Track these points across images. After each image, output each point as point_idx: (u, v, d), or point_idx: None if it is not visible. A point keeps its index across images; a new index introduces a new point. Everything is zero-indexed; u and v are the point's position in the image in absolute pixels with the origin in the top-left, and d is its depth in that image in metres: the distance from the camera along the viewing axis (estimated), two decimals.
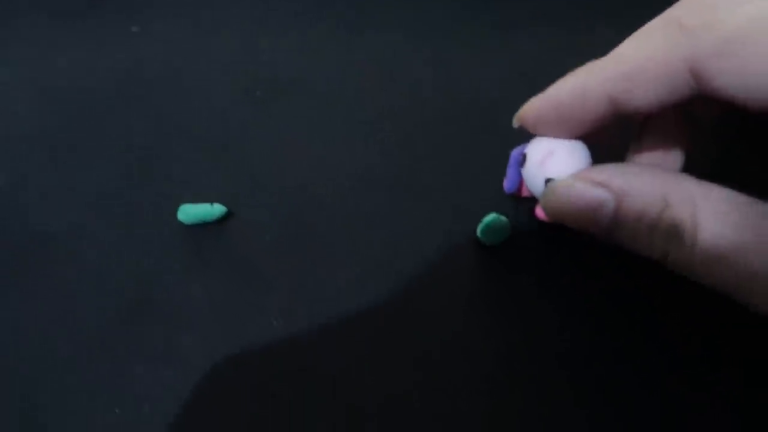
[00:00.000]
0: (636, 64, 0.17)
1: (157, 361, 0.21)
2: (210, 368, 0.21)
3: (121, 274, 0.22)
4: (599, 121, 0.18)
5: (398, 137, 0.26)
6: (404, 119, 0.27)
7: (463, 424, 0.19)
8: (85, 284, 0.22)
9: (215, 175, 0.25)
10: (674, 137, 0.20)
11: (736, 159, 0.23)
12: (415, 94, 0.27)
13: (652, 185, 0.17)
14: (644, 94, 0.17)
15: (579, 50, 0.20)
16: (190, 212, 0.23)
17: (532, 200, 0.22)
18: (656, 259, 0.17)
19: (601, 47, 0.18)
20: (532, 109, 0.19)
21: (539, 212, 0.22)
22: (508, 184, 0.22)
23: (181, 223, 0.23)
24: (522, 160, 0.20)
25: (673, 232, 0.16)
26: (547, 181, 0.19)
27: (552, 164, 0.19)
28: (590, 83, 0.18)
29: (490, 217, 0.22)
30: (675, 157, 0.20)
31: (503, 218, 0.22)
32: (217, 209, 0.23)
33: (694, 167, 0.19)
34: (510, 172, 0.21)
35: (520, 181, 0.21)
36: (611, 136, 0.21)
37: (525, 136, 0.20)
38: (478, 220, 0.22)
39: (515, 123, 0.20)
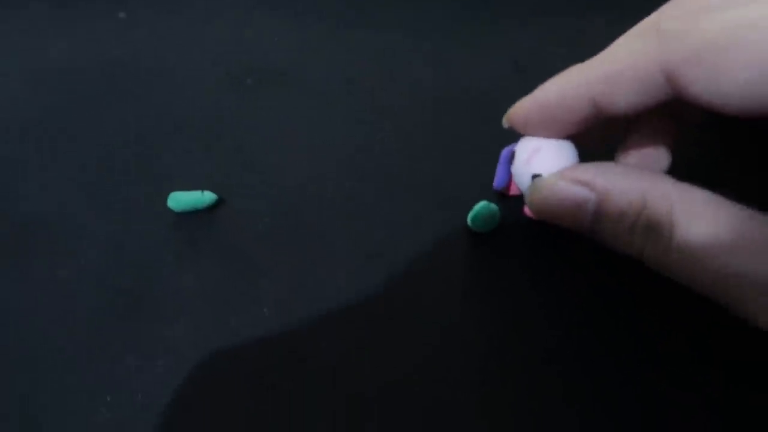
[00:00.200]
0: (615, 68, 0.17)
1: (148, 351, 0.21)
2: (202, 358, 0.21)
3: (112, 262, 0.22)
4: (583, 121, 0.19)
5: (392, 127, 0.26)
6: (396, 108, 0.27)
7: (458, 410, 0.20)
8: (75, 273, 0.22)
9: (206, 162, 0.25)
10: (659, 139, 0.20)
11: (720, 161, 0.24)
12: (410, 86, 0.27)
13: (633, 185, 0.17)
14: (623, 97, 0.17)
15: (577, 47, 0.20)
16: (181, 200, 0.22)
17: (521, 199, 0.22)
18: (635, 257, 0.18)
19: (599, 44, 0.19)
20: (520, 110, 0.20)
21: (527, 211, 0.22)
22: (497, 181, 0.22)
23: (171, 211, 0.23)
24: (511, 157, 0.21)
25: (651, 231, 0.17)
26: (534, 177, 0.19)
27: (538, 161, 0.19)
28: (573, 86, 0.18)
29: (480, 204, 0.22)
30: (660, 158, 0.21)
31: (493, 206, 0.22)
32: (207, 197, 0.23)
33: (680, 169, 0.20)
34: (499, 169, 0.22)
35: (509, 179, 0.22)
36: (600, 136, 0.21)
37: (518, 132, 0.21)
38: (469, 210, 0.23)
39: (505, 123, 0.21)
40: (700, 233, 0.16)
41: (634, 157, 0.21)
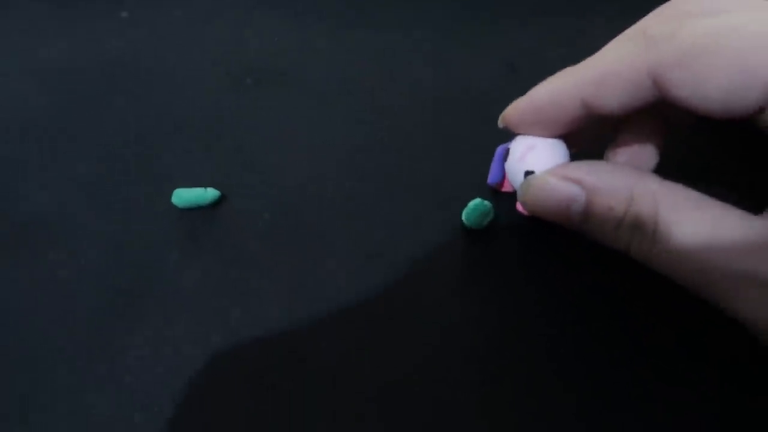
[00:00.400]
0: (604, 71, 0.18)
1: (150, 347, 0.21)
2: (203, 355, 0.21)
3: (116, 258, 0.23)
4: (575, 121, 0.19)
5: (391, 127, 0.26)
6: (396, 108, 0.27)
7: (458, 408, 0.20)
8: (77, 270, 0.22)
9: (206, 162, 0.25)
10: (648, 139, 0.21)
11: (708, 162, 0.24)
12: (410, 86, 0.27)
13: (620, 183, 0.18)
14: (612, 98, 0.18)
15: (576, 48, 0.20)
16: (184, 196, 0.23)
17: (514, 196, 0.22)
18: (622, 251, 0.18)
19: (598, 45, 0.19)
20: (515, 110, 0.20)
21: (520, 207, 0.22)
22: (491, 177, 0.23)
23: (175, 207, 0.23)
24: (505, 155, 0.21)
25: (637, 227, 0.17)
26: (526, 173, 0.20)
27: (531, 159, 0.20)
28: (565, 87, 0.19)
29: (475, 201, 0.23)
30: (648, 157, 0.21)
31: (486, 202, 0.23)
32: (210, 193, 0.23)
33: (669, 169, 0.20)
34: (494, 166, 0.22)
35: (503, 176, 0.22)
36: (591, 135, 0.22)
37: (513, 132, 0.21)
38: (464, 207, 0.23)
39: (500, 123, 0.21)
40: (683, 230, 0.17)
41: (623, 155, 0.21)
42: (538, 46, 0.29)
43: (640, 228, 0.17)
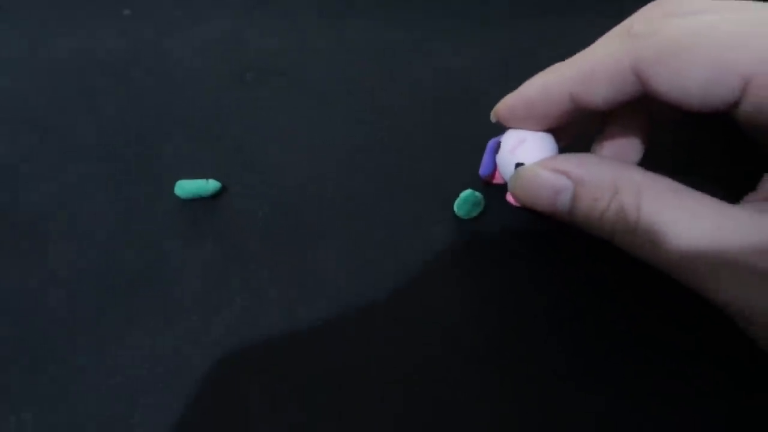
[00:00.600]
0: (591, 66, 0.19)
1: (153, 330, 0.21)
2: (203, 349, 0.21)
3: (121, 246, 0.23)
4: (564, 115, 0.20)
5: (392, 127, 0.26)
6: (396, 108, 0.27)
7: (460, 408, 0.20)
8: (85, 256, 0.23)
9: (206, 162, 0.25)
10: (633, 132, 0.22)
11: (691, 155, 0.25)
12: (410, 86, 0.27)
13: (605, 174, 0.19)
14: (599, 92, 0.19)
15: (574, 44, 0.21)
16: (187, 187, 0.24)
17: (505, 188, 0.23)
18: (607, 239, 0.19)
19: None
20: (506, 105, 0.21)
21: (510, 198, 0.23)
22: (482, 169, 0.23)
23: (177, 198, 0.24)
24: (496, 148, 0.22)
25: (620, 216, 0.18)
26: (517, 165, 0.21)
27: (521, 151, 0.21)
28: (554, 82, 0.20)
29: (466, 192, 0.23)
30: (633, 151, 0.22)
31: (477, 193, 0.23)
32: (211, 184, 0.24)
33: (654, 162, 0.21)
34: (485, 158, 0.23)
35: (494, 168, 0.23)
36: (579, 129, 0.23)
37: (505, 126, 0.22)
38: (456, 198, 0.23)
39: (492, 118, 0.22)
40: (664, 219, 0.17)
41: (609, 149, 0.22)
42: (538, 46, 0.29)
43: (624, 218, 0.18)
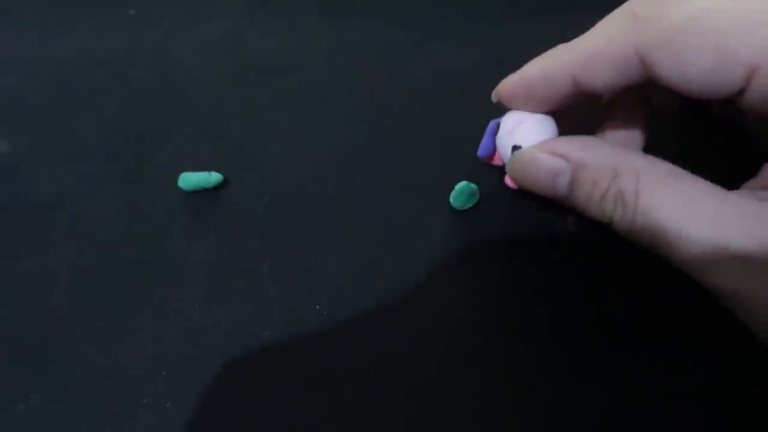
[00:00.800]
0: (594, 50, 0.19)
1: (159, 316, 0.21)
2: (206, 336, 0.21)
3: (122, 246, 0.23)
4: (565, 98, 0.20)
5: (392, 127, 0.26)
6: (396, 108, 0.27)
7: (462, 408, 0.20)
8: (85, 255, 0.23)
9: (205, 162, 0.25)
10: (636, 119, 0.22)
11: (691, 144, 0.25)
12: (410, 86, 0.28)
13: (605, 158, 0.19)
14: (601, 76, 0.19)
15: (569, 38, 0.21)
16: (190, 179, 0.24)
17: (503, 170, 0.23)
18: (606, 223, 0.19)
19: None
20: (507, 86, 0.21)
21: (508, 181, 0.23)
22: (481, 150, 0.23)
23: (181, 190, 0.24)
24: (496, 129, 0.22)
25: (619, 199, 0.18)
26: (514, 147, 0.21)
27: (520, 133, 0.21)
28: (555, 65, 0.20)
29: (461, 184, 0.23)
30: (636, 135, 0.22)
31: (473, 185, 0.23)
32: (214, 177, 0.24)
33: (652, 151, 0.21)
34: (485, 139, 0.23)
35: (494, 150, 0.23)
36: (582, 113, 0.23)
37: (506, 107, 0.22)
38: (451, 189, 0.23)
39: (493, 98, 0.22)
40: (662, 201, 0.17)
41: (610, 133, 0.22)
42: (538, 45, 0.29)
43: (623, 200, 0.18)
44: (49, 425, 0.20)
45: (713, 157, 0.24)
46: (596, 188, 0.19)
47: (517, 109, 0.21)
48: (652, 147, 0.22)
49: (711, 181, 0.18)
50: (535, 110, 0.21)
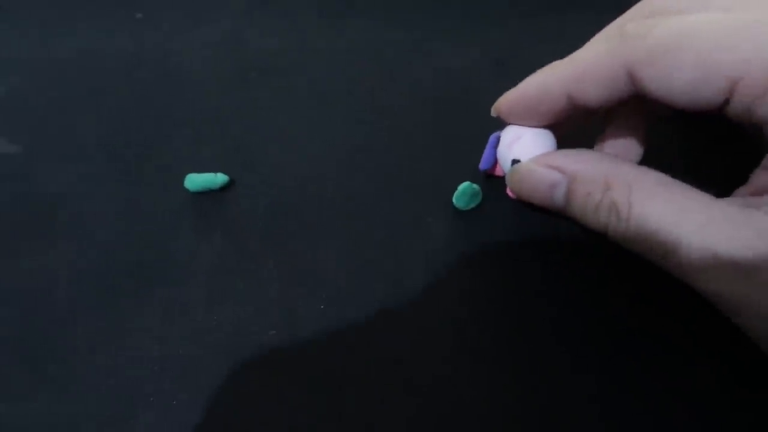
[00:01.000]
0: (585, 66, 0.19)
1: (165, 315, 0.22)
2: (206, 336, 0.21)
3: (123, 246, 0.23)
4: (561, 113, 0.21)
5: (392, 127, 0.26)
6: (396, 108, 0.27)
7: (462, 403, 0.20)
8: (85, 255, 0.23)
9: (205, 162, 0.25)
10: (634, 131, 0.22)
11: (684, 150, 0.25)
12: (410, 86, 0.28)
13: (597, 169, 0.19)
14: (592, 92, 0.19)
15: (574, 42, 0.21)
16: (196, 180, 0.24)
17: (504, 180, 0.23)
18: (601, 233, 0.20)
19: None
20: (505, 101, 0.22)
21: (510, 192, 0.23)
22: (483, 163, 0.23)
23: (185, 191, 0.24)
24: (496, 142, 0.23)
25: (613, 210, 0.19)
26: (513, 161, 0.22)
27: (518, 147, 0.21)
28: (550, 81, 0.20)
29: (464, 184, 0.23)
30: (634, 143, 0.22)
31: (475, 186, 0.23)
32: (220, 178, 0.24)
33: (649, 157, 0.22)
34: (486, 152, 0.23)
35: (495, 162, 0.23)
36: (580, 125, 0.23)
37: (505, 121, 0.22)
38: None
39: (493, 112, 0.22)
40: (653, 211, 0.18)
41: (609, 146, 0.23)
42: (538, 45, 0.29)
43: (616, 212, 0.19)
44: (50, 425, 0.20)
45: (707, 160, 0.25)
46: (590, 199, 0.19)
47: (516, 123, 0.22)
48: (650, 152, 0.22)
49: (706, 185, 0.18)
50: (534, 124, 0.22)
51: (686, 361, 0.21)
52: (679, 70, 0.17)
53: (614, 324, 0.21)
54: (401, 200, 0.24)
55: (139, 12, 0.31)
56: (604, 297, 0.22)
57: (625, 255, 0.20)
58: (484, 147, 0.23)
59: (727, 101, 0.17)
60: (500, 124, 0.22)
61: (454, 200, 0.23)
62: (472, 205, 0.24)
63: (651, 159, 0.22)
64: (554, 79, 0.20)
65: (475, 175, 0.24)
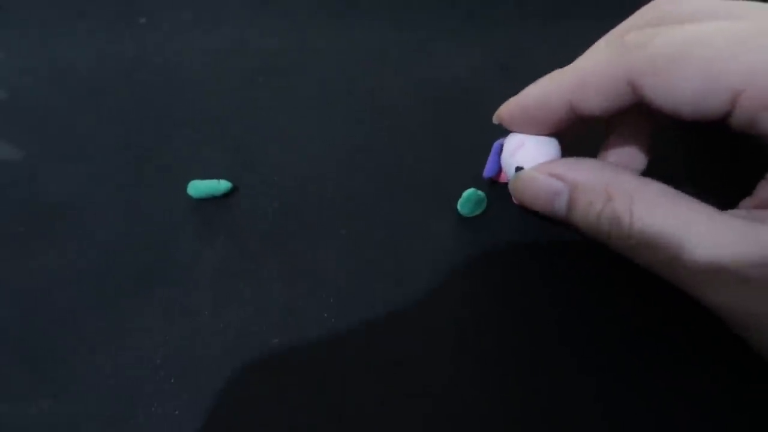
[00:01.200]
0: (585, 75, 0.19)
1: (167, 317, 0.22)
2: (206, 337, 0.21)
3: (126, 247, 0.23)
4: (563, 121, 0.20)
5: (392, 127, 0.26)
6: (396, 108, 0.27)
7: (464, 403, 0.20)
8: (101, 245, 0.23)
9: (205, 162, 0.25)
10: (638, 139, 0.22)
11: (688, 160, 0.25)
12: (410, 86, 0.28)
13: (598, 178, 0.19)
14: (593, 101, 0.19)
15: (578, 46, 0.21)
16: (199, 187, 0.24)
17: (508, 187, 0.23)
18: (602, 242, 0.20)
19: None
20: (507, 110, 0.22)
21: (514, 199, 0.23)
22: (487, 170, 0.23)
23: (190, 197, 0.24)
24: (500, 149, 0.23)
25: (614, 220, 0.19)
26: (517, 169, 0.22)
27: (521, 155, 0.21)
28: (551, 90, 0.20)
29: (469, 191, 0.23)
30: (639, 151, 0.22)
31: (480, 192, 0.23)
32: (223, 185, 0.24)
33: (654, 165, 0.22)
34: (490, 159, 0.23)
35: (499, 169, 0.23)
36: (584, 132, 0.23)
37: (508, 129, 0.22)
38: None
39: (495, 120, 0.22)
40: (655, 222, 0.18)
41: (613, 154, 0.22)
42: (541, 47, 0.29)
43: (617, 222, 0.19)
44: (50, 425, 0.20)
45: (712, 170, 0.24)
46: (592, 208, 0.19)
47: (518, 131, 0.22)
48: (654, 162, 0.22)
49: (710, 195, 0.18)
50: (535, 132, 0.21)
51: (690, 363, 0.21)
52: (682, 79, 0.17)
53: (617, 327, 0.21)
54: (401, 200, 0.24)
55: (142, 17, 0.31)
56: (607, 300, 0.22)
57: (629, 260, 0.20)
58: (484, 148, 0.23)
59: (730, 112, 0.17)
60: (502, 127, 0.22)
61: (458, 207, 0.23)
62: (477, 212, 0.24)
63: (654, 169, 0.22)
64: (555, 88, 0.20)
65: (475, 176, 0.24)
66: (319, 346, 0.21)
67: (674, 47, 0.17)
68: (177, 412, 0.20)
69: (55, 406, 0.20)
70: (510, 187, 0.22)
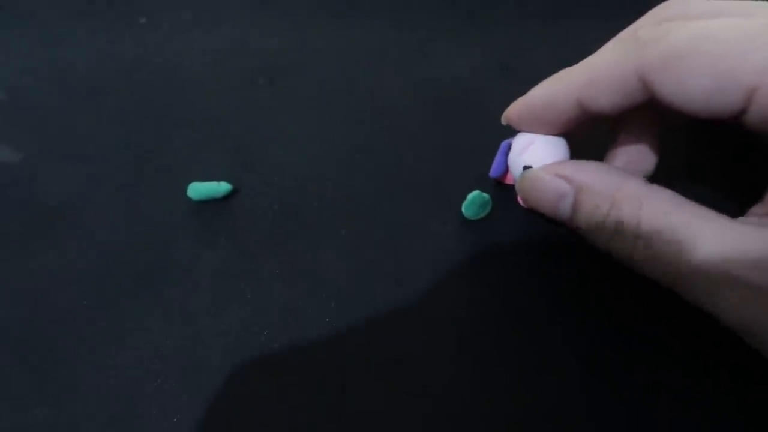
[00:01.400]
0: (597, 73, 0.19)
1: (169, 320, 0.21)
2: (206, 337, 0.21)
3: (126, 248, 0.23)
4: (572, 120, 0.20)
5: (392, 127, 0.26)
6: (396, 108, 0.27)
7: (465, 403, 0.20)
8: (101, 245, 0.23)
9: (205, 163, 0.25)
10: (648, 133, 0.22)
11: (698, 163, 0.25)
12: (410, 86, 0.28)
13: (605, 183, 0.19)
14: (604, 98, 0.19)
15: (578, 45, 0.21)
16: (199, 189, 0.24)
17: (514, 189, 0.23)
18: (604, 251, 0.19)
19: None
20: (515, 110, 0.21)
21: (520, 200, 0.23)
22: (493, 170, 0.23)
23: (190, 199, 0.24)
24: (508, 149, 0.22)
25: (619, 227, 0.18)
26: (524, 168, 0.21)
27: (529, 154, 0.21)
28: (560, 89, 0.20)
29: (474, 193, 0.23)
30: (648, 152, 0.22)
31: (485, 195, 0.23)
32: (223, 186, 0.24)
33: (663, 169, 0.22)
34: (497, 159, 0.23)
35: (506, 169, 0.23)
36: (592, 132, 0.23)
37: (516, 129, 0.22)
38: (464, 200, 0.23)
39: (503, 121, 0.22)
40: (663, 233, 0.17)
41: (621, 155, 0.22)
42: (541, 47, 0.29)
43: (622, 230, 0.18)
44: (50, 426, 0.20)
45: (721, 174, 0.24)
46: (597, 212, 0.19)
47: (527, 131, 0.22)
48: (663, 164, 0.22)
49: (718, 200, 0.18)
50: (543, 132, 0.21)
51: (692, 365, 0.21)
52: (694, 76, 0.17)
53: (619, 328, 0.21)
54: (401, 201, 0.24)
55: (142, 17, 0.31)
56: (608, 302, 0.22)
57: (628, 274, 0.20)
58: (484, 148, 0.23)
59: (744, 110, 0.17)
60: (503, 127, 0.22)
61: (463, 209, 0.23)
62: (482, 215, 0.24)
63: (663, 171, 0.22)
64: (564, 86, 0.20)
65: (476, 176, 0.24)
66: (319, 346, 0.21)
67: (686, 42, 0.17)
68: (177, 413, 0.20)
69: (55, 406, 0.20)
70: (516, 186, 0.22)
